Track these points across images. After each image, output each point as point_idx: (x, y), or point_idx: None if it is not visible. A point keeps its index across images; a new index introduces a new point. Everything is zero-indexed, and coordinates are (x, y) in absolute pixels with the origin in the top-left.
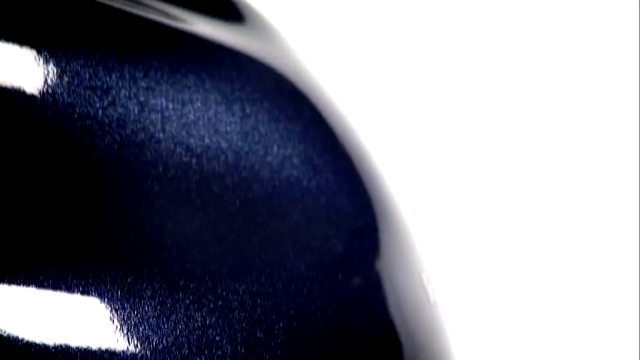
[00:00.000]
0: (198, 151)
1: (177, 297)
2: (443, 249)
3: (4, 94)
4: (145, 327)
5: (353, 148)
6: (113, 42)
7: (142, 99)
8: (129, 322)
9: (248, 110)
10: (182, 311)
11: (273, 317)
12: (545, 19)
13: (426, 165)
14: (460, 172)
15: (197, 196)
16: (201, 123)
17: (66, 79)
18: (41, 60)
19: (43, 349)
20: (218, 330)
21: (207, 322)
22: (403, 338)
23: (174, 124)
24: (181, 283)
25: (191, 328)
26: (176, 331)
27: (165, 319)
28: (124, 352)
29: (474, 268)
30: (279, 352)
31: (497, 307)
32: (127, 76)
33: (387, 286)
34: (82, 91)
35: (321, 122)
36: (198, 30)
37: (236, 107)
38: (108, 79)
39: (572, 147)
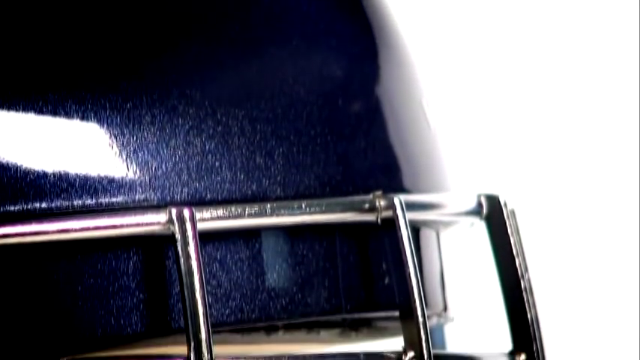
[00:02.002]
0: None
1: (176, 123)
2: (443, 75)
3: None
4: (144, 153)
5: None
6: None
7: None
8: (128, 147)
9: None
10: (181, 137)
11: (273, 143)
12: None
13: None
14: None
15: (196, 22)
16: None
17: None
18: None
19: (42, 175)
20: (217, 156)
21: (207, 147)
22: (403, 163)
23: None
24: (180, 108)
25: (190, 154)
26: (175, 157)
27: (164, 145)
28: (122, 178)
29: (473, 94)
30: (278, 178)
31: (496, 132)
32: None
33: (386, 111)
34: None
35: None
36: None
37: None
38: None
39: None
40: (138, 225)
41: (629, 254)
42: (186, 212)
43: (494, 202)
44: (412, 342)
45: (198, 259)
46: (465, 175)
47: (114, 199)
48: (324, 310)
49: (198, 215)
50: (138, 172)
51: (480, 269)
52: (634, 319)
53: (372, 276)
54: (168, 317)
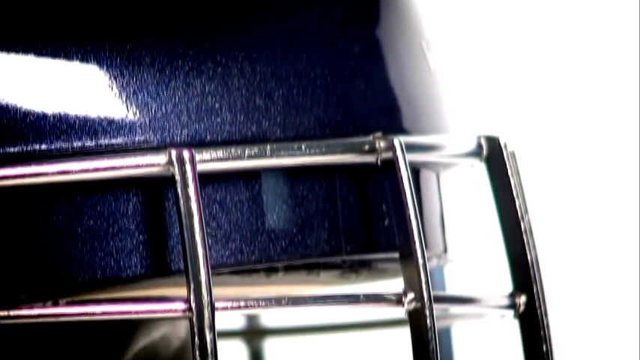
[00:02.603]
0: None
1: (176, 64)
2: (444, 16)
3: None
4: (143, 94)
5: None
6: None
7: None
8: (128, 89)
9: None
10: (181, 78)
11: (273, 84)
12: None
13: None
14: None
15: None
16: None
17: None
18: None
19: (42, 117)
20: (217, 97)
21: (207, 89)
22: (403, 105)
23: None
24: (180, 50)
25: (190, 95)
26: (175, 98)
27: (164, 86)
28: (122, 119)
29: (474, 35)
30: (278, 120)
31: (497, 74)
32: None
33: (387, 52)
34: None
35: None
36: None
37: None
38: None
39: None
40: (137, 166)
41: (632, 196)
42: (185, 154)
43: (494, 144)
44: (412, 283)
45: (197, 201)
46: (465, 117)
47: (113, 141)
48: (324, 252)
49: (198, 157)
50: (137, 113)
51: (480, 211)
52: (634, 256)
53: (371, 217)
54: (167, 259)
